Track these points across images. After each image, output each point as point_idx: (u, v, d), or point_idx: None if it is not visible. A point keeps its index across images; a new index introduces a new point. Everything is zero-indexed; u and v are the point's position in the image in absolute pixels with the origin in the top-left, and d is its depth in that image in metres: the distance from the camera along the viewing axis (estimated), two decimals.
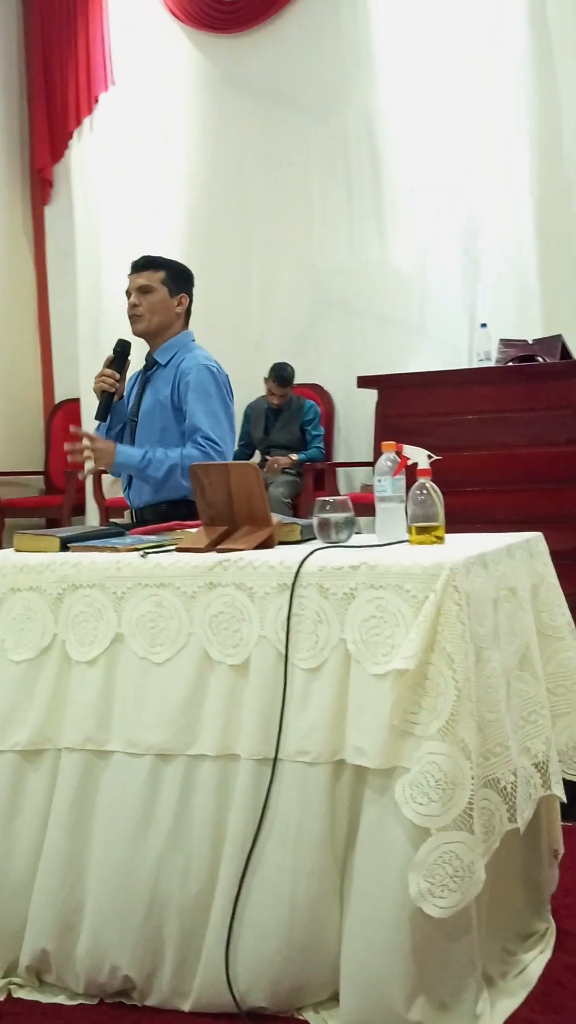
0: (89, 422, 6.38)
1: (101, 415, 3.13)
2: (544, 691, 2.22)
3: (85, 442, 3.02)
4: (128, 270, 3.22)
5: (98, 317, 6.40)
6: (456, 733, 1.83)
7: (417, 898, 1.82)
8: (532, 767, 2.11)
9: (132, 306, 3.16)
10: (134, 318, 3.16)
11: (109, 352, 3.19)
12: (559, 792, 2.17)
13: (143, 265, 3.18)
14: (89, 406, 6.33)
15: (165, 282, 3.16)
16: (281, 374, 5.76)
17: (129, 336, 3.19)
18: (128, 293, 3.18)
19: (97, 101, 6.48)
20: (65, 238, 6.64)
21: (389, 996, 1.89)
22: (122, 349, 3.14)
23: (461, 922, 1.88)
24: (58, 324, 6.71)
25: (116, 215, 6.44)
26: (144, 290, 3.14)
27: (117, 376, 3.12)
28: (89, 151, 6.54)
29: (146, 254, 3.26)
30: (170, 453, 3.05)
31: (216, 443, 3.05)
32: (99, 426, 3.21)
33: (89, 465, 3.16)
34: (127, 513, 3.26)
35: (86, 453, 3.01)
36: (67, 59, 6.50)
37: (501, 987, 2.04)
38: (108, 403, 3.10)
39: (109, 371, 3.11)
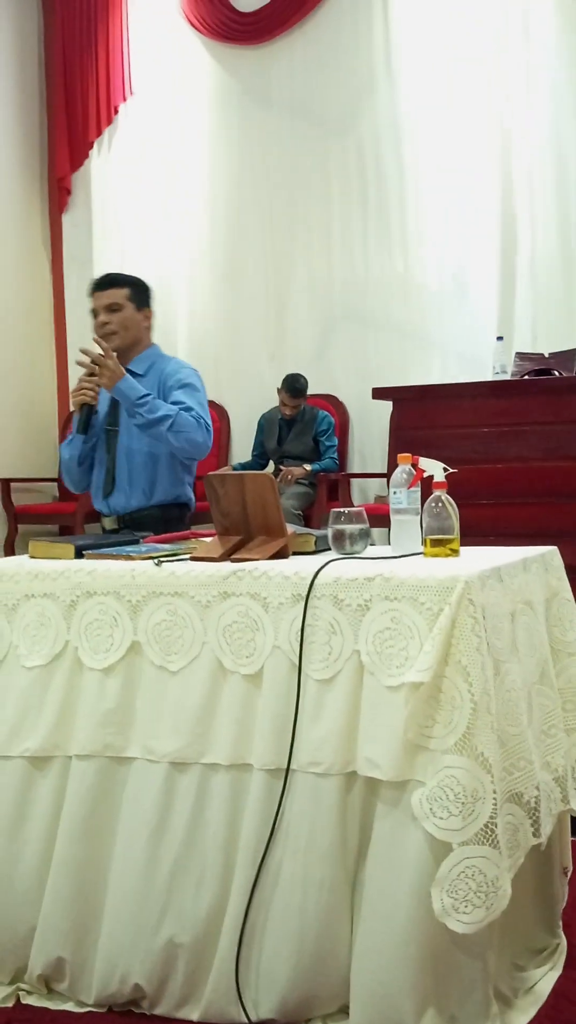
0: None
1: (83, 428, 3.15)
2: (560, 706, 2.22)
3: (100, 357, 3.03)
4: (92, 289, 3.23)
5: None
6: (474, 747, 1.83)
7: (441, 914, 1.81)
8: (553, 782, 2.11)
9: (103, 324, 3.19)
10: (107, 336, 3.19)
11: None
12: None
13: (107, 284, 3.22)
14: None
15: (131, 298, 3.22)
16: (294, 385, 5.77)
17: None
18: (95, 312, 3.21)
19: (117, 111, 6.52)
20: (82, 246, 6.68)
21: (399, 1009, 1.88)
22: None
23: (473, 937, 1.87)
24: (74, 332, 6.73)
25: (134, 225, 6.48)
26: (113, 308, 3.19)
27: (97, 389, 3.13)
28: (108, 161, 6.58)
29: (107, 273, 3.31)
30: (168, 405, 3.08)
31: (208, 423, 3.12)
32: (72, 439, 3.23)
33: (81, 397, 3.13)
34: (107, 521, 3.21)
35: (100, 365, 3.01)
36: (87, 69, 6.54)
37: (511, 1003, 2.03)
38: (89, 415, 3.14)
39: (89, 383, 3.11)
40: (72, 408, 3.16)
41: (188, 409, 3.09)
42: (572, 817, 2.30)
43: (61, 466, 3.34)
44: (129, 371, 3.20)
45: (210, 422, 3.14)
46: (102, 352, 3.05)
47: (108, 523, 3.21)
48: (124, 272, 3.36)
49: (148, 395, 3.06)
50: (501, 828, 1.84)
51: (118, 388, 3.04)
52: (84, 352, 3.06)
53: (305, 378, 5.81)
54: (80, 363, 3.07)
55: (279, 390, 5.83)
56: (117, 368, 3.04)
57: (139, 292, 3.24)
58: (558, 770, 2.13)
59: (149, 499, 3.17)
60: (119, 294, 3.19)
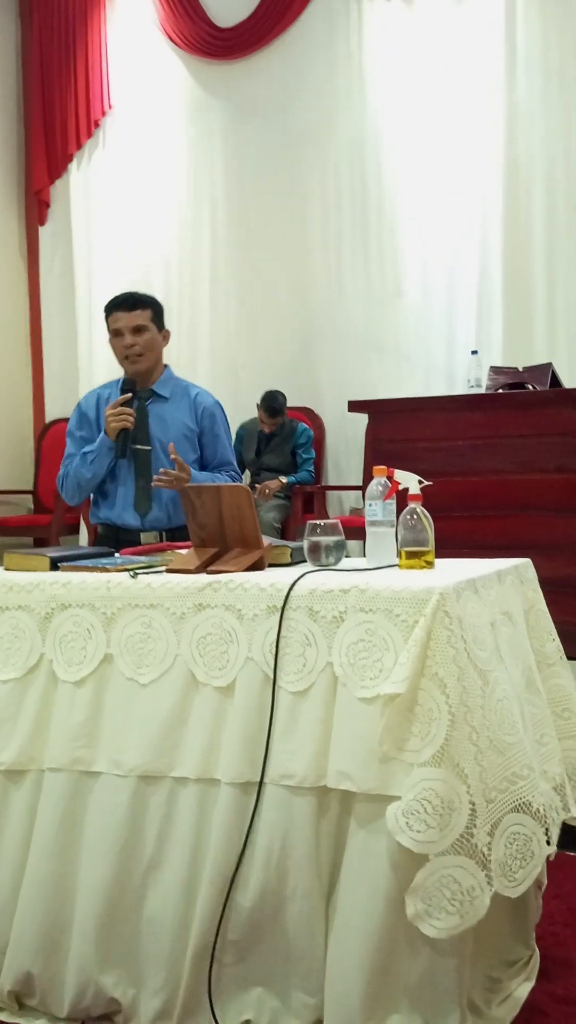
0: None
1: (122, 452, 3.16)
2: (549, 714, 2.22)
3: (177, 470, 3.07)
4: (115, 307, 3.21)
5: (91, 339, 6.44)
6: (451, 758, 1.82)
7: (414, 917, 1.81)
8: (552, 791, 2.10)
9: (129, 346, 3.19)
10: (133, 358, 3.21)
11: (106, 377, 3.22)
12: None
13: (132, 304, 3.22)
14: None
15: (153, 320, 3.24)
16: (271, 404, 5.77)
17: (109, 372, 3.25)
18: (118, 332, 3.20)
19: (97, 125, 6.53)
20: (60, 259, 6.67)
21: (372, 1020, 1.88)
22: (132, 387, 3.20)
23: (447, 947, 1.87)
24: (50, 344, 6.72)
25: (112, 238, 6.48)
26: (139, 330, 3.20)
27: (133, 414, 3.16)
28: (87, 174, 6.59)
29: (129, 292, 3.29)
30: (217, 477, 3.21)
31: (239, 475, 3.39)
32: (95, 459, 3.19)
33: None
34: (146, 536, 3.19)
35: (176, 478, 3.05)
36: (66, 83, 6.55)
37: (485, 1014, 2.03)
38: (126, 440, 3.16)
39: (130, 410, 3.14)
40: (110, 435, 3.14)
41: (226, 463, 3.30)
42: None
43: (73, 481, 3.25)
44: (154, 392, 3.25)
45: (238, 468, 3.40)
46: (176, 463, 3.06)
47: (147, 538, 3.20)
48: (147, 293, 3.36)
49: (208, 477, 3.20)
50: (506, 840, 1.84)
51: (192, 483, 3.09)
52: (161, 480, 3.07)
53: (283, 396, 5.82)
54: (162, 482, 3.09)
55: (258, 407, 5.83)
56: (188, 471, 3.09)
57: (159, 313, 3.27)
58: (556, 779, 2.12)
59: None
60: (144, 315, 3.21)
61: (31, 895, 2.14)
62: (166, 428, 3.24)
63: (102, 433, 3.19)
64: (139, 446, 3.20)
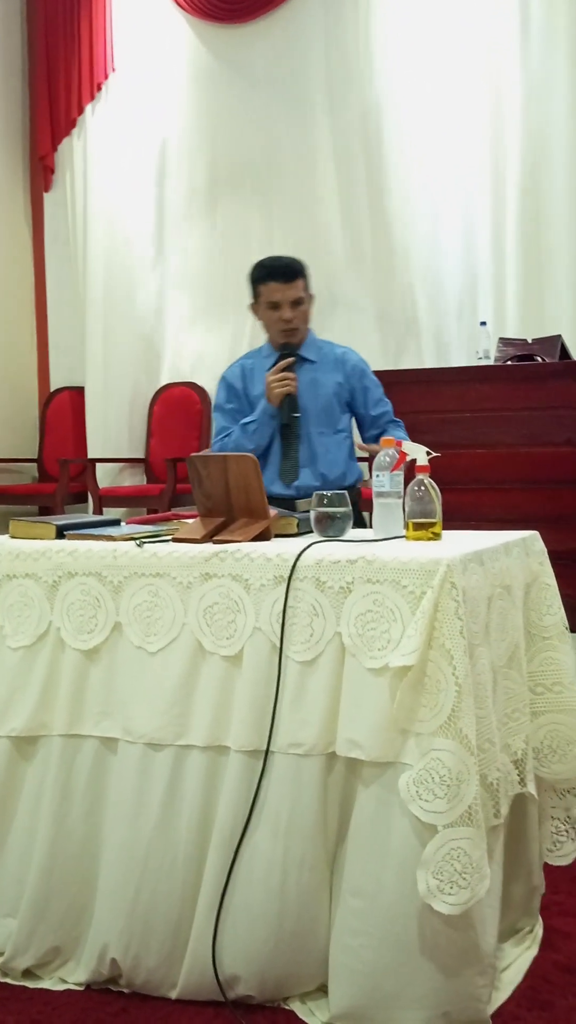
0: (94, 410, 6.36)
1: (287, 419, 3.14)
2: (527, 689, 2.23)
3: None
4: (271, 276, 3.13)
5: (96, 306, 6.39)
6: (459, 729, 1.84)
7: (426, 895, 1.82)
8: (511, 764, 2.12)
9: (288, 320, 3.13)
10: (291, 331, 3.16)
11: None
12: (532, 790, 2.17)
13: (292, 274, 3.12)
14: (97, 394, 6.31)
15: (306, 288, 3.17)
16: None
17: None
18: (276, 304, 3.13)
19: (100, 89, 6.45)
20: (65, 226, 6.62)
21: (381, 988, 1.90)
22: (292, 352, 3.17)
23: (458, 916, 1.87)
24: (55, 312, 6.68)
25: (116, 203, 6.41)
26: (298, 303, 3.14)
27: (296, 378, 3.14)
28: (90, 139, 6.52)
29: (283, 261, 3.18)
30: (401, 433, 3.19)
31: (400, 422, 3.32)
32: (256, 429, 3.16)
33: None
34: (299, 504, 3.11)
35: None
36: (70, 46, 6.47)
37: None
38: (291, 406, 3.13)
39: (293, 374, 3.11)
40: (273, 402, 3.11)
41: (388, 412, 3.28)
42: None
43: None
44: (301, 358, 3.17)
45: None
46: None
47: (303, 505, 3.11)
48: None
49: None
50: (480, 809, 1.85)
51: None
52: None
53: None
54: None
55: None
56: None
57: (308, 279, 3.18)
58: (517, 753, 2.14)
59: (343, 481, 3.18)
60: (301, 286, 3.13)
61: (61, 866, 2.15)
62: (316, 392, 3.20)
63: (263, 401, 3.14)
64: (292, 415, 3.15)
